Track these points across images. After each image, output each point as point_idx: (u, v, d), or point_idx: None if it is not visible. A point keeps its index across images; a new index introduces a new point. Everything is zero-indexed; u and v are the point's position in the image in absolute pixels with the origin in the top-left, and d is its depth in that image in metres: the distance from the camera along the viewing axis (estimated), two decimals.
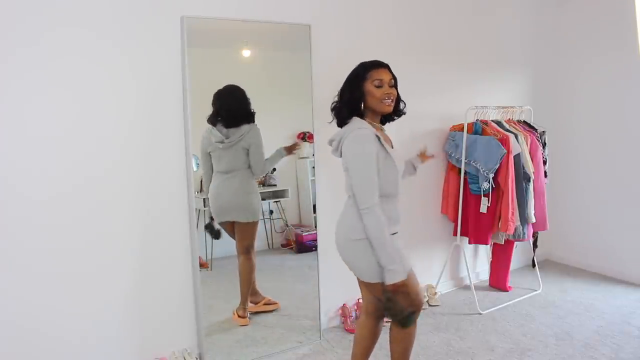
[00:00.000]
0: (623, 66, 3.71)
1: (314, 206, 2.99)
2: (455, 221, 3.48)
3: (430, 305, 3.43)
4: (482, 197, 3.29)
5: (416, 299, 2.06)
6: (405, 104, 2.14)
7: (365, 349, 2.24)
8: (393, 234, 2.00)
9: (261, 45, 2.79)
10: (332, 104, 2.09)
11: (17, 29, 2.09)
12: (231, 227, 2.82)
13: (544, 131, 3.66)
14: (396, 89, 2.06)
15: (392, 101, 2.01)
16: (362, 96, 2.00)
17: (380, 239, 1.88)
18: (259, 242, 3.04)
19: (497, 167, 3.20)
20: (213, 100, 2.64)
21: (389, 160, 1.96)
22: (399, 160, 2.04)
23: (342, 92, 2.06)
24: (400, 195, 2.07)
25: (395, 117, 2.15)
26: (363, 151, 1.90)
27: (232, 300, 2.88)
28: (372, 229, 1.88)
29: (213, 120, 2.66)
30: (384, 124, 2.14)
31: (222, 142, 2.67)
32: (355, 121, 2.00)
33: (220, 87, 2.64)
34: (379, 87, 1.98)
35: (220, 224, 2.77)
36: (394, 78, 2.05)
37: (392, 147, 2.08)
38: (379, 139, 1.94)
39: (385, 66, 2.05)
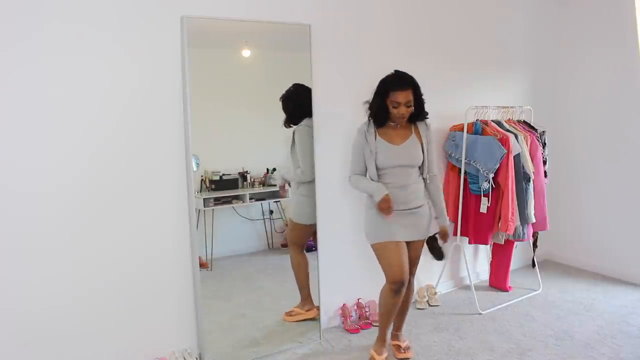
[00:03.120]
0: (623, 66, 3.71)
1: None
2: (455, 221, 3.48)
3: (430, 305, 3.43)
4: (482, 197, 3.29)
5: (387, 270, 2.52)
6: (427, 112, 2.55)
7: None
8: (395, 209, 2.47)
9: (261, 45, 2.79)
10: (367, 111, 2.54)
11: (16, 22, 2.08)
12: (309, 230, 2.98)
13: (544, 131, 3.66)
14: (417, 99, 2.45)
15: (404, 118, 2.45)
16: (386, 108, 2.45)
17: (359, 188, 2.57)
18: (259, 242, 3.05)
19: (497, 167, 3.20)
20: (297, 97, 2.80)
21: (367, 150, 2.50)
22: (398, 151, 2.48)
23: (371, 104, 2.51)
24: (400, 180, 2.49)
25: (421, 119, 2.55)
26: (354, 140, 2.59)
27: (233, 300, 2.88)
28: (353, 186, 2.60)
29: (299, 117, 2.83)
30: (412, 122, 2.55)
31: None
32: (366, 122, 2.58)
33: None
34: (395, 108, 2.42)
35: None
36: (415, 93, 2.43)
37: (401, 142, 2.49)
38: (375, 133, 2.50)
39: (405, 87, 2.40)
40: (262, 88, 2.74)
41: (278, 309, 2.98)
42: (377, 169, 2.50)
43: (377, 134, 2.51)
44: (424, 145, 2.53)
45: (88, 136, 2.30)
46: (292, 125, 2.83)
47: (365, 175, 2.56)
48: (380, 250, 2.52)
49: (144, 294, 2.50)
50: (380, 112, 2.47)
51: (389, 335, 2.72)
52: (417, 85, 2.46)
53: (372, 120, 2.51)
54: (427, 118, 2.56)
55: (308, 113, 2.80)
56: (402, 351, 2.71)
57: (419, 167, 2.54)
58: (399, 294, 2.51)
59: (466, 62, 3.60)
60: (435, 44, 3.43)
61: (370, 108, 2.51)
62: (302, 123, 2.82)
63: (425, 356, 2.74)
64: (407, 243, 2.54)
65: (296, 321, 2.96)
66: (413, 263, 2.60)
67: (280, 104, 2.80)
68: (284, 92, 2.77)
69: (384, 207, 2.42)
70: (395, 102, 2.40)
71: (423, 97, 2.50)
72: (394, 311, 2.59)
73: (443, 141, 3.51)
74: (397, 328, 2.79)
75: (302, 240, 2.98)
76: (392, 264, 2.48)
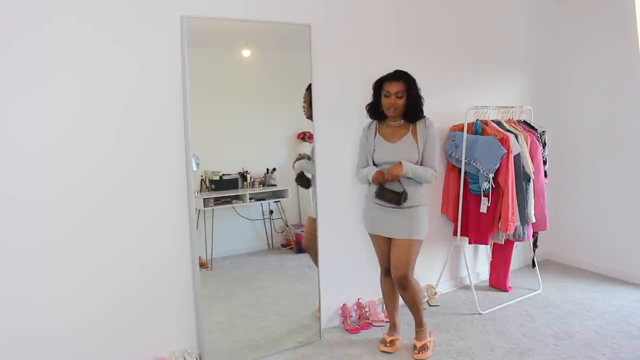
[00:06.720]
0: (623, 66, 3.71)
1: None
2: (455, 221, 3.48)
3: (430, 305, 3.43)
4: (482, 197, 3.29)
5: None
6: (422, 111, 2.62)
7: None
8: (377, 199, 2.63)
9: (261, 45, 2.79)
10: (366, 108, 2.71)
11: (15, 21, 2.09)
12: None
13: (544, 131, 3.66)
14: (410, 96, 2.53)
15: (395, 109, 2.56)
16: (379, 102, 2.61)
17: (360, 177, 2.75)
18: (259, 242, 3.04)
19: (497, 167, 3.20)
20: None
21: (367, 146, 2.68)
22: (392, 148, 2.61)
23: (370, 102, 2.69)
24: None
25: (416, 118, 2.61)
26: (360, 138, 2.78)
27: (233, 300, 2.88)
28: (358, 178, 2.81)
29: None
30: (412, 121, 2.63)
31: None
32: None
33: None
34: (386, 97, 2.55)
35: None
36: (409, 88, 2.53)
37: (396, 140, 2.60)
38: (375, 131, 2.68)
39: (398, 78, 2.54)
40: (262, 88, 2.74)
41: (278, 309, 2.98)
42: (374, 164, 2.65)
43: (377, 132, 2.67)
44: (419, 145, 2.59)
45: (87, 136, 2.30)
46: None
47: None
48: (370, 238, 2.79)
49: (144, 294, 2.50)
50: (374, 105, 2.65)
51: (396, 319, 2.86)
52: (412, 80, 2.57)
53: (371, 117, 2.69)
54: (423, 117, 2.62)
55: None
56: (417, 351, 2.71)
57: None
58: (387, 277, 2.76)
59: (466, 62, 3.61)
60: (436, 44, 3.43)
61: (367, 104, 2.69)
62: None
63: None
64: (390, 239, 2.65)
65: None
66: (399, 262, 2.60)
67: (279, 104, 2.80)
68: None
69: (377, 177, 2.59)
70: (386, 92, 2.55)
71: (421, 95, 2.60)
72: (389, 294, 2.83)
73: (443, 141, 3.50)
74: (416, 324, 2.80)
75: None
76: (377, 252, 2.80)
